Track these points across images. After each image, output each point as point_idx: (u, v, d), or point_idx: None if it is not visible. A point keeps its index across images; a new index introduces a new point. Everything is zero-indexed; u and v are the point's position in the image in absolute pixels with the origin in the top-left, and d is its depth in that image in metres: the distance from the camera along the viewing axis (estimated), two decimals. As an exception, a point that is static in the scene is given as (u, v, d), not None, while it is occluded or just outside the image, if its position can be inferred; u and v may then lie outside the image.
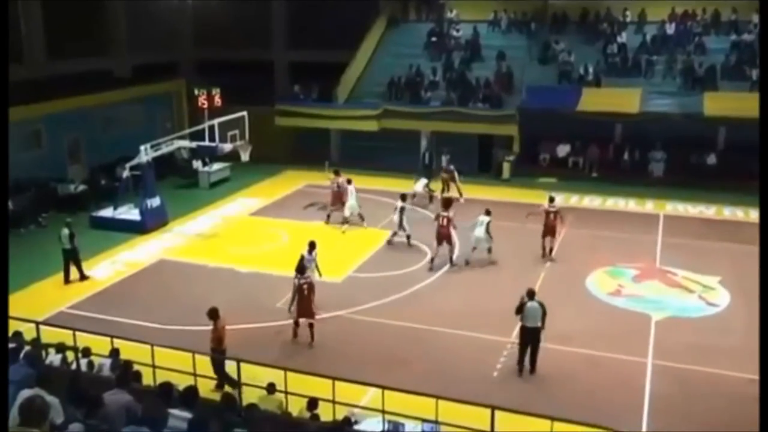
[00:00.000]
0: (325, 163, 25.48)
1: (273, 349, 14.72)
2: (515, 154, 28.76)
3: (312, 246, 16.69)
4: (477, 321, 15.95)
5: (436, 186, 25.88)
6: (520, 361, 13.83)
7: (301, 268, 15.21)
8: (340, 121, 29.64)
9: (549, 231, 19.22)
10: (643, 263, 19.35)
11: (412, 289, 17.80)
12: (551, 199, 19.71)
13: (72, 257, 18.27)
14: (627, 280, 18.49)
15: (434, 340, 15.26)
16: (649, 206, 24.72)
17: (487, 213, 19.27)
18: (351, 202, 22.06)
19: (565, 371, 14.03)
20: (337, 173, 23.35)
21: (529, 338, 13.71)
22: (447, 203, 19.66)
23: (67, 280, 18.21)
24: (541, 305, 13.60)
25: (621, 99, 27.47)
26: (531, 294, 13.77)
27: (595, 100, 27.55)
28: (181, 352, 11.29)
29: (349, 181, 22.61)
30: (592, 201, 25.48)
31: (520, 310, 13.69)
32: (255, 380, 11.13)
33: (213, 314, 13.07)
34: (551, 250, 19.31)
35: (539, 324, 13.62)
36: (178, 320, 15.74)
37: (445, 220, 18.98)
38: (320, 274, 16.58)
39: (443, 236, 18.93)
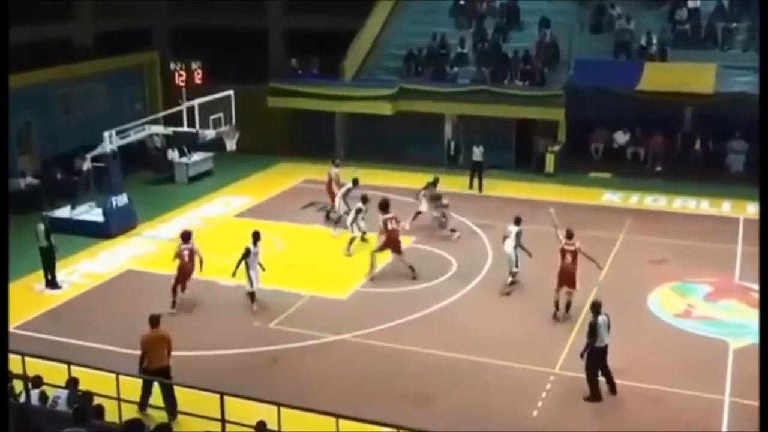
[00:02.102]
0: (339, 153, 25.37)
1: (263, 379, 14.77)
2: (561, 144, 28.70)
3: (256, 237, 17.62)
4: (513, 348, 15.92)
5: (457, 182, 25.92)
6: (597, 391, 14.06)
7: (185, 236, 17.76)
8: (346, 103, 29.68)
9: (566, 279, 16.82)
10: (718, 278, 19.24)
11: (433, 309, 17.81)
12: (569, 235, 16.96)
13: (48, 257, 18.72)
14: (698, 298, 18.40)
15: (461, 371, 15.24)
16: (726, 208, 24.59)
17: (517, 222, 18.58)
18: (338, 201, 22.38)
19: (622, 410, 14.00)
20: (335, 163, 23.62)
21: (602, 360, 14.03)
22: (385, 205, 19.78)
23: (48, 283, 18.78)
24: (608, 317, 14.08)
25: (692, 76, 27.33)
26: (597, 308, 14.05)
27: (659, 78, 27.43)
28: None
29: (355, 182, 22.57)
30: (655, 201, 25.40)
31: (594, 331, 13.87)
32: (241, 417, 11.17)
33: (154, 321, 13.43)
34: (568, 304, 16.97)
35: (608, 340, 14.04)
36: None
37: (393, 222, 19.27)
38: (263, 268, 17.75)
39: (393, 243, 19.24)
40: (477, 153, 26.56)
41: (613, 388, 14.24)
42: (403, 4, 33.18)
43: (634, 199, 25.56)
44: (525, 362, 15.36)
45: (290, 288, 18.70)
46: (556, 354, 15.55)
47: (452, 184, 26.49)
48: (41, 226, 18.85)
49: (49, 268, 18.91)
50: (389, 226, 19.25)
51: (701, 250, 21.03)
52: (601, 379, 14.24)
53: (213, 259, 19.61)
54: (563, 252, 16.86)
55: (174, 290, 17.56)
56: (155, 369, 13.15)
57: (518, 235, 18.41)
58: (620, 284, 18.88)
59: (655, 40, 29.06)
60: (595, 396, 14.09)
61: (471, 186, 26.37)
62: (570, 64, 29.00)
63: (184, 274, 17.64)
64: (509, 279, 18.49)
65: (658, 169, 28.21)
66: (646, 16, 30.26)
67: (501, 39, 30.87)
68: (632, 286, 18.76)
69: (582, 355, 14.13)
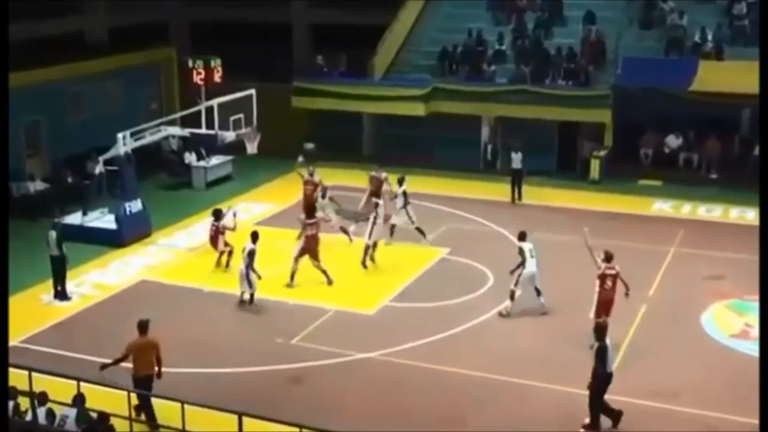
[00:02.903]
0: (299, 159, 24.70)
1: (285, 399, 14.85)
2: (607, 148, 28.59)
3: (255, 236, 18.66)
4: (551, 368, 15.86)
5: (493, 190, 25.84)
6: (599, 419, 13.85)
7: (215, 213, 20.95)
8: (375, 103, 29.77)
9: (607, 307, 16.27)
10: (778, 295, 19.05)
11: (467, 325, 17.80)
12: (608, 258, 16.41)
13: (59, 267, 18.94)
14: (757, 317, 18.22)
15: (496, 393, 15.23)
16: (787, 219, 24.33)
17: (522, 237, 18.24)
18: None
19: (671, 438, 13.90)
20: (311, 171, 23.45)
21: (607, 386, 13.82)
22: (309, 209, 20.47)
23: (57, 295, 19.01)
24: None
25: (751, 75, 26.95)
26: (603, 331, 13.83)
27: (715, 77, 27.26)
28: (168, 401, 11.44)
29: (324, 192, 22.64)
30: (710, 211, 25.20)
31: (603, 356, 13.60)
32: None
33: (141, 327, 13.89)
34: None
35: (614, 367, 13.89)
36: (164, 360, 15.92)
37: (314, 228, 19.79)
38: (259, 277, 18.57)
39: (309, 248, 19.73)
40: (516, 160, 26.05)
41: (616, 417, 13.90)
42: (438, -2, 33.28)
43: (687, 209, 25.37)
44: (565, 384, 15.24)
45: (314, 302, 18.78)
46: (599, 376, 15.47)
47: (488, 191, 26.55)
48: (53, 234, 19.00)
49: (59, 278, 19.10)
50: (308, 232, 19.73)
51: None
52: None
53: (231, 271, 19.81)
54: (603, 277, 16.28)
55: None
56: (142, 376, 13.60)
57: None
58: (671, 301, 18.77)
59: (710, 37, 28.87)
60: (595, 424, 13.83)
61: (513, 199, 25.97)
62: (617, 63, 28.89)
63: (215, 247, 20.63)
64: (542, 299, 18.21)
65: (714, 176, 28.00)
66: (700, 11, 30.07)
67: (542, 35, 30.82)
68: (684, 304, 18.63)
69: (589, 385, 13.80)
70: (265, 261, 21.05)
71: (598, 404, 13.82)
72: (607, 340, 13.79)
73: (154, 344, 13.80)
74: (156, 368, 13.75)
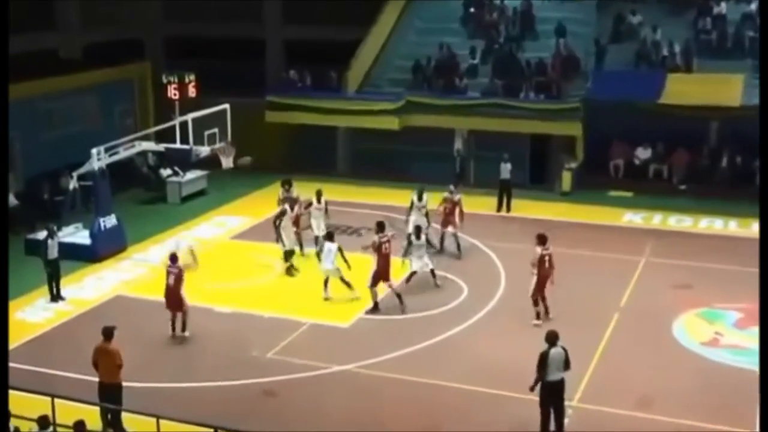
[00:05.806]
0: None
1: (260, 413, 14.75)
2: (578, 161, 28.73)
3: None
4: (527, 379, 15.83)
5: (469, 202, 25.91)
6: (547, 427, 13.77)
7: (173, 257, 17.93)
8: (349, 117, 29.77)
9: None
10: (748, 304, 19.10)
11: (444, 336, 17.78)
12: None
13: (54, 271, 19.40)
14: (727, 325, 18.33)
15: (475, 404, 15.23)
16: (755, 229, 24.47)
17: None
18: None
19: (644, 446, 13.92)
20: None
21: (553, 396, 13.73)
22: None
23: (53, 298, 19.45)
24: (565, 351, 13.71)
25: (718, 88, 27.35)
26: (552, 338, 13.76)
27: (683, 90, 27.47)
28: (142, 416, 11.34)
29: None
30: (679, 221, 25.35)
31: (543, 363, 13.55)
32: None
33: (104, 333, 13.93)
34: None
35: (563, 375, 13.70)
36: (140, 374, 15.78)
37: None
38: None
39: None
40: (505, 170, 25.95)
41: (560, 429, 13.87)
42: (410, 12, 33.32)
43: (657, 220, 25.49)
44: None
45: (289, 315, 18.69)
46: (572, 386, 15.45)
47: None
48: (49, 240, 19.31)
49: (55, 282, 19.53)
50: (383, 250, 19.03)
51: (730, 273, 20.95)
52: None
53: (208, 285, 19.70)
54: None
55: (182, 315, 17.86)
56: (105, 384, 13.72)
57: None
58: (643, 310, 18.84)
59: (678, 50, 29.06)
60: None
61: (500, 208, 26.01)
62: (588, 76, 29.07)
63: (170, 300, 17.86)
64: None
65: (683, 187, 28.17)
66: (669, 24, 30.28)
67: (514, 49, 30.92)
68: (656, 313, 18.69)
69: (532, 389, 13.84)
70: (241, 273, 21.03)
71: (544, 411, 13.75)
72: (553, 350, 13.60)
73: (110, 352, 13.78)
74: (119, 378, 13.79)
